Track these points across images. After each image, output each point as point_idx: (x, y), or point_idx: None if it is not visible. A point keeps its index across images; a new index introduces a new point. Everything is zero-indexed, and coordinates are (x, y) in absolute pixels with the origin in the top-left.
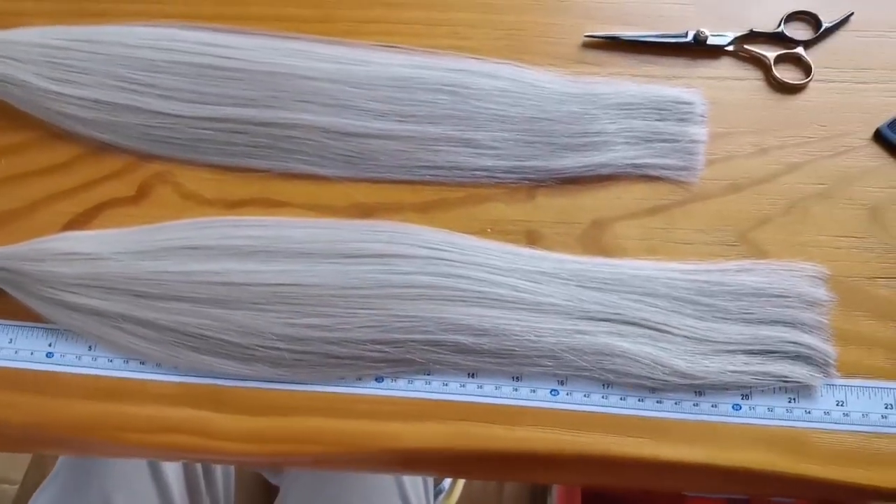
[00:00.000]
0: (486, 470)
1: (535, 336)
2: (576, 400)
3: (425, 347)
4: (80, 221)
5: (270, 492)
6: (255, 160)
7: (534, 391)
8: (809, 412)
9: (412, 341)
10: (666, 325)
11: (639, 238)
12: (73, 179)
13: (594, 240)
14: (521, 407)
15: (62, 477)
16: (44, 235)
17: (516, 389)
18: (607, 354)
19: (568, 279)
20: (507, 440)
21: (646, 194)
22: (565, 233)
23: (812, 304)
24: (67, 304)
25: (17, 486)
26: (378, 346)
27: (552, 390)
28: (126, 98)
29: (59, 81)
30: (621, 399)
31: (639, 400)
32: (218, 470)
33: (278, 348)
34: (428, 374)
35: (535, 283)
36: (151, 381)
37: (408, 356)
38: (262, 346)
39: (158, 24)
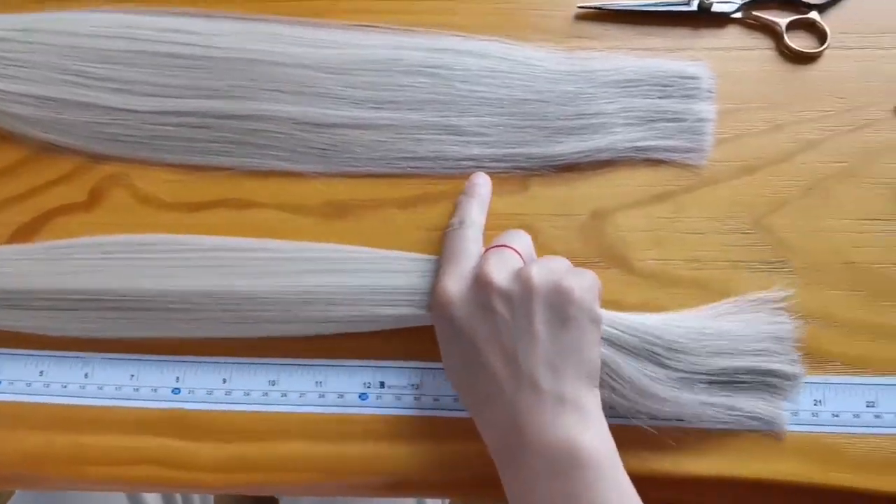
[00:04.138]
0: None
1: None
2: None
3: None
4: (27, 231)
5: None
6: (220, 157)
7: None
8: (837, 415)
9: None
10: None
11: (644, 229)
12: (17, 185)
13: (595, 232)
14: None
15: (30, 497)
16: None
17: None
18: None
19: None
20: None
21: (650, 180)
22: (564, 226)
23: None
24: None
25: None
26: None
27: None
28: (75, 93)
29: None
30: None
31: None
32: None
33: None
34: (417, 389)
35: None
36: (109, 407)
37: None
38: None
39: (110, 9)
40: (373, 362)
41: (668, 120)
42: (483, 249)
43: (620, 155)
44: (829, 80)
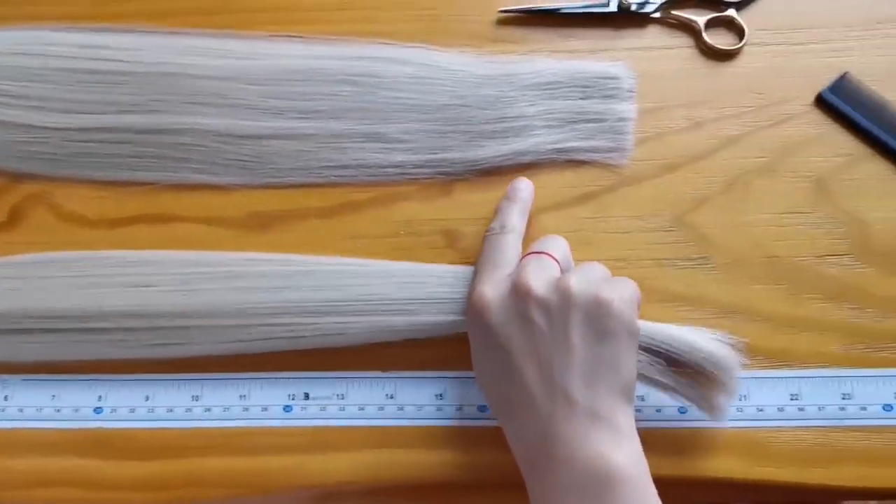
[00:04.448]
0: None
1: None
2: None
3: None
4: None
5: None
6: (141, 172)
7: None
8: (762, 409)
9: None
10: None
11: (569, 230)
12: None
13: None
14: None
15: None
16: None
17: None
18: None
19: None
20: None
21: (573, 181)
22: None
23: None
24: None
25: None
26: None
27: None
28: None
29: None
30: None
31: None
32: None
33: None
34: (342, 399)
35: None
36: (30, 429)
37: None
38: None
39: (26, 26)
40: (297, 374)
41: (590, 120)
42: (521, 256)
43: (543, 157)
44: (748, 76)
